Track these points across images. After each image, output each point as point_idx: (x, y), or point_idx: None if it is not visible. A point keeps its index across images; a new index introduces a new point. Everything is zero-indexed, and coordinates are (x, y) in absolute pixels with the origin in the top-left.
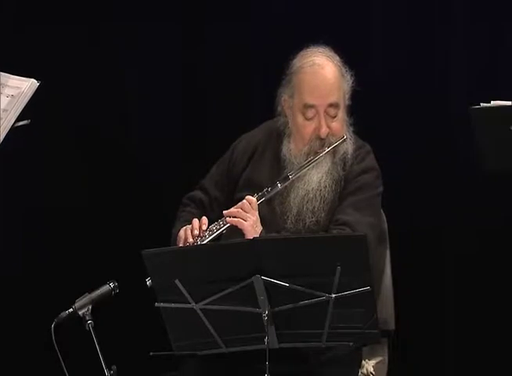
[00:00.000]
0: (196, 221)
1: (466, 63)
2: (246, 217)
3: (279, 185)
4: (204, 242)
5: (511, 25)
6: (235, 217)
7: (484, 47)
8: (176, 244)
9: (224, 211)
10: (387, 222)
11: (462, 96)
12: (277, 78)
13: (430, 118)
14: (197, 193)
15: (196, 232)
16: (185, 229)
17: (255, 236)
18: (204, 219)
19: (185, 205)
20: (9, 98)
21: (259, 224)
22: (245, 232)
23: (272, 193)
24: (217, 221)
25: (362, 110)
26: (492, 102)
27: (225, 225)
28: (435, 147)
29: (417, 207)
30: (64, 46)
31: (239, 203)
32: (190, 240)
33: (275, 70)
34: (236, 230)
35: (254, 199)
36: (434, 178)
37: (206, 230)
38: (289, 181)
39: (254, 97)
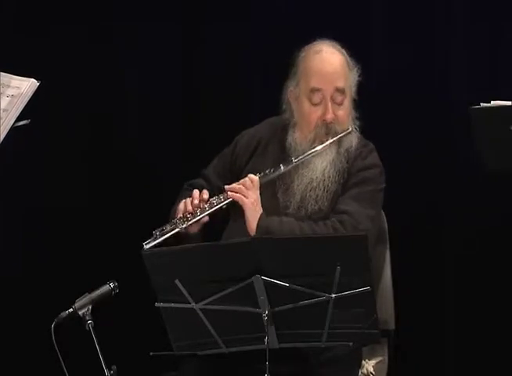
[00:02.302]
0: (196, 191)
1: (467, 63)
2: (248, 194)
3: (282, 167)
4: (204, 214)
5: (511, 25)
6: (236, 193)
7: (484, 47)
8: (174, 217)
9: (225, 186)
10: (387, 222)
11: (462, 96)
12: (277, 78)
13: (430, 118)
14: (199, 181)
15: (196, 201)
16: (185, 201)
17: (255, 214)
18: (205, 192)
19: (186, 190)
20: (9, 98)
21: (259, 204)
22: (245, 208)
23: (274, 175)
24: (217, 195)
25: (362, 110)
26: (492, 102)
27: (225, 199)
28: (435, 147)
29: (417, 207)
30: (64, 46)
31: (242, 180)
32: (189, 208)
33: (275, 70)
34: (236, 207)
35: (256, 178)
36: (434, 178)
37: (206, 202)
38: (292, 164)
39: (254, 97)
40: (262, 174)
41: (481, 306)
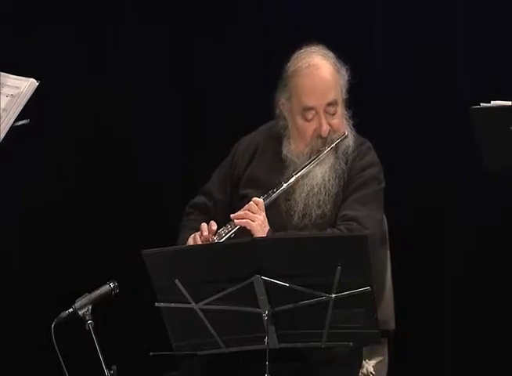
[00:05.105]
0: (204, 225)
1: (468, 63)
2: (254, 218)
3: (284, 184)
4: None
5: (511, 25)
6: (243, 219)
7: (484, 47)
8: None
9: (231, 215)
10: (388, 222)
11: (462, 96)
12: (278, 79)
13: (431, 118)
14: (200, 199)
15: (206, 233)
16: (194, 236)
17: (263, 235)
18: (213, 223)
19: (189, 214)
20: (9, 97)
21: (267, 224)
22: (253, 232)
23: (277, 193)
24: (225, 225)
25: (363, 109)
26: (492, 102)
27: (233, 228)
28: (435, 147)
29: (417, 208)
30: (64, 46)
31: (246, 205)
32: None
33: (275, 71)
34: (245, 232)
35: (260, 200)
36: (434, 178)
37: (215, 234)
38: (293, 179)
39: (254, 98)
40: (266, 195)
41: (481, 306)
